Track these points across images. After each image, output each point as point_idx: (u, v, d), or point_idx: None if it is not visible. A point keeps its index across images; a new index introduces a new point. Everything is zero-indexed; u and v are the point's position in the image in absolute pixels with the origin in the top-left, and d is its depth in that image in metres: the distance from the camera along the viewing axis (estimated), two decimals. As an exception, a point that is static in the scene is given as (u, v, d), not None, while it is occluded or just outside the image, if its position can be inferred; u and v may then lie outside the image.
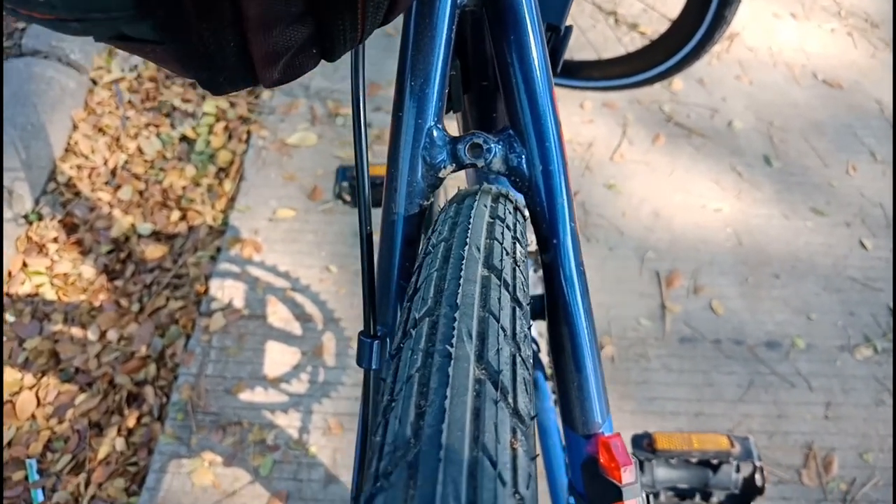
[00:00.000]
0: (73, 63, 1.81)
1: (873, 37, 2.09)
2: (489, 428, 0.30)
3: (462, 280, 0.38)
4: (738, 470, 0.74)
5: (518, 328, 0.38)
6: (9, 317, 1.43)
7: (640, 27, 2.03)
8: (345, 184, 1.20)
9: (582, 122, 1.79)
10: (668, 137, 1.78)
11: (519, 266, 0.43)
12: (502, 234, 0.44)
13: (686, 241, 1.58)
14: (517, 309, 0.40)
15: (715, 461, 0.73)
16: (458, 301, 0.37)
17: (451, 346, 0.34)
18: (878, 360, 1.42)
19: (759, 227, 1.62)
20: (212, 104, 1.80)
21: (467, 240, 0.42)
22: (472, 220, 0.44)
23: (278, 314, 1.42)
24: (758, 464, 0.73)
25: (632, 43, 1.97)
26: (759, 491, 0.74)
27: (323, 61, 0.36)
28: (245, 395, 1.32)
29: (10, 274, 1.49)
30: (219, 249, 1.53)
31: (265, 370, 1.35)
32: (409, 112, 0.48)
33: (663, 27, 1.34)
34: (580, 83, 1.48)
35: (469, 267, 0.40)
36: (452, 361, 0.33)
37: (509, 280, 0.41)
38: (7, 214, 1.52)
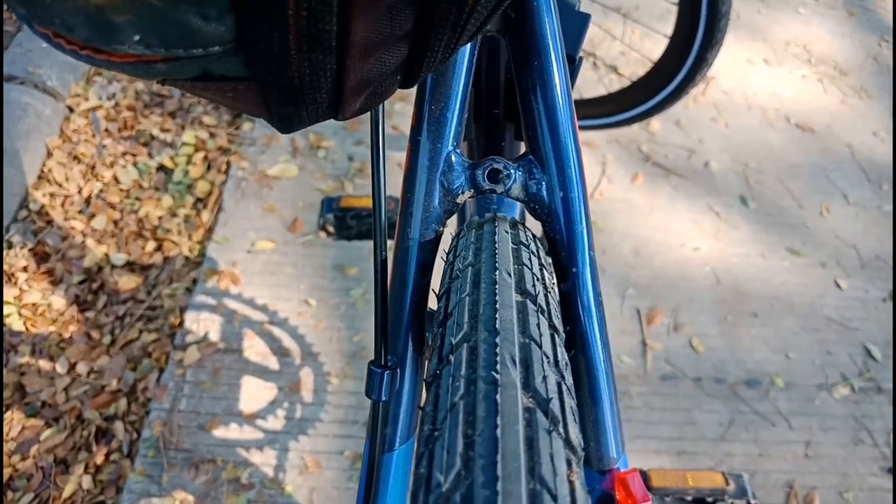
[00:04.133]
0: (50, 90, 1.78)
1: (842, 84, 2.14)
2: (545, 459, 0.28)
3: (498, 305, 0.37)
4: (732, 509, 0.73)
5: (559, 355, 0.37)
6: (-27, 348, 1.38)
7: (619, 69, 2.06)
8: (329, 215, 1.18)
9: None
10: (646, 177, 1.80)
11: (549, 293, 0.42)
12: (529, 259, 0.43)
13: (666, 279, 1.59)
14: (555, 336, 0.38)
15: (710, 499, 0.72)
16: (496, 326, 0.36)
17: (496, 372, 0.32)
18: (856, 399, 1.43)
19: (737, 266, 1.63)
20: (191, 134, 1.78)
21: (496, 264, 0.41)
22: (497, 245, 0.43)
23: (255, 348, 1.39)
24: (753, 502, 0.72)
25: (611, 84, 2.00)
26: (754, 529, 0.73)
27: None
28: (219, 432, 1.28)
29: (-25, 303, 1.44)
30: (195, 281, 1.50)
31: (241, 406, 1.31)
32: (427, 137, 0.47)
33: (642, 70, 1.36)
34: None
35: (503, 292, 0.38)
36: (499, 388, 0.32)
37: (544, 306, 0.40)
38: (-25, 242, 1.48)
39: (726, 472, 0.74)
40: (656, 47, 1.27)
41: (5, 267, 1.50)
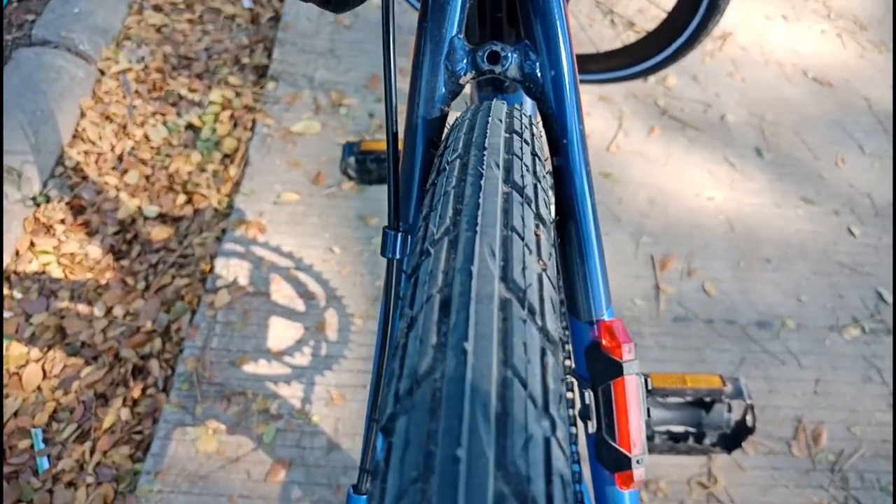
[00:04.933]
0: (82, 53, 1.85)
1: (862, 38, 2.14)
2: (516, 217, 0.33)
3: (488, 135, 0.42)
4: (729, 409, 0.78)
5: (538, 169, 0.41)
6: (16, 293, 1.46)
7: (636, 26, 2.08)
8: (350, 159, 1.23)
9: (579, 114, 1.83)
10: (662, 130, 1.82)
11: (536, 137, 0.47)
12: (520, 116, 0.48)
13: (680, 227, 1.62)
14: (537, 159, 0.43)
15: (707, 399, 0.76)
16: (485, 146, 0.40)
17: (482, 169, 0.37)
18: (866, 340, 1.46)
19: (752, 214, 1.66)
20: (218, 94, 1.84)
21: (490, 115, 0.45)
22: (492, 108, 0.48)
23: (282, 291, 1.46)
24: (749, 402, 0.76)
25: (629, 40, 2.02)
26: (751, 430, 0.78)
27: None
28: (249, 368, 1.34)
29: (17, 253, 1.52)
30: (224, 231, 1.56)
31: (269, 344, 1.38)
32: (432, 22, 0.52)
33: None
34: (579, 76, 1.52)
35: (493, 129, 0.43)
36: (483, 178, 0.36)
37: (528, 140, 0.44)
38: (16, 196, 1.56)
39: (723, 375, 0.78)
40: (672, 0, 1.30)
41: (44, 219, 1.57)
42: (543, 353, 0.30)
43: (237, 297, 1.44)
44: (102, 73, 1.87)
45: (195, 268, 1.51)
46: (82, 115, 1.77)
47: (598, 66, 1.53)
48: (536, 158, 0.44)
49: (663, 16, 1.40)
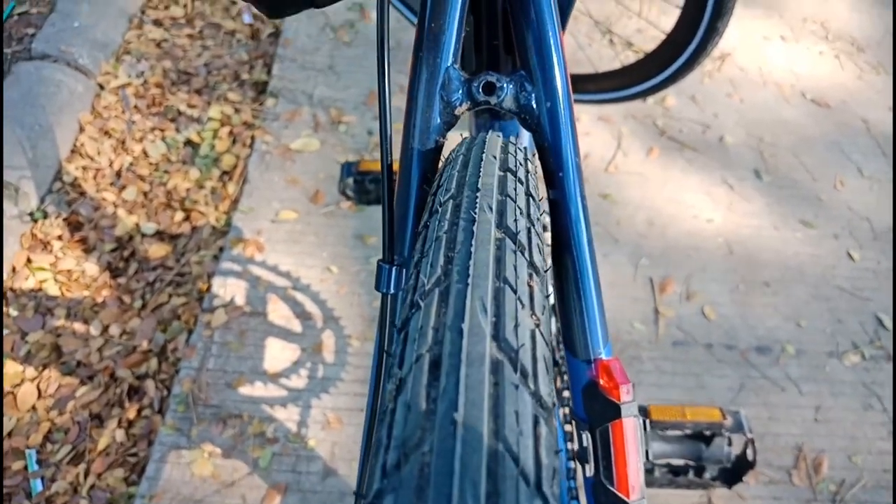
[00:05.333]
0: (82, 68, 1.85)
1: (860, 60, 2.15)
2: (509, 268, 0.32)
3: (481, 174, 0.41)
4: (730, 443, 0.77)
5: (532, 212, 0.41)
6: (12, 311, 1.45)
7: (634, 46, 2.09)
8: (348, 179, 1.23)
9: (578, 134, 1.83)
10: (661, 150, 1.82)
11: (531, 175, 0.46)
12: (515, 152, 0.47)
13: (679, 250, 1.62)
14: (531, 199, 0.42)
15: (707, 433, 0.76)
16: (478, 187, 0.40)
17: (475, 213, 0.36)
18: (866, 367, 1.46)
19: (750, 237, 1.66)
20: (217, 110, 1.83)
21: (483, 153, 0.45)
22: (487, 142, 0.47)
23: (279, 312, 1.45)
24: (749, 436, 0.75)
25: (627, 60, 2.03)
26: (751, 465, 0.77)
27: None
28: (245, 389, 1.33)
29: (14, 269, 1.51)
30: (221, 249, 1.55)
31: (265, 365, 1.37)
32: (427, 52, 0.51)
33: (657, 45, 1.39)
34: (577, 96, 1.52)
35: (487, 168, 0.42)
36: (476, 223, 0.35)
37: (523, 179, 0.43)
38: (13, 212, 1.55)
39: (723, 408, 0.77)
40: (671, 21, 1.30)
41: (41, 235, 1.56)
42: (536, 423, 0.29)
43: (234, 317, 1.43)
44: (102, 87, 1.87)
45: (192, 286, 1.50)
46: (81, 129, 1.77)
47: (597, 86, 1.53)
48: (531, 199, 0.43)
49: (662, 36, 1.41)
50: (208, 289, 1.48)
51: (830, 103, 2.00)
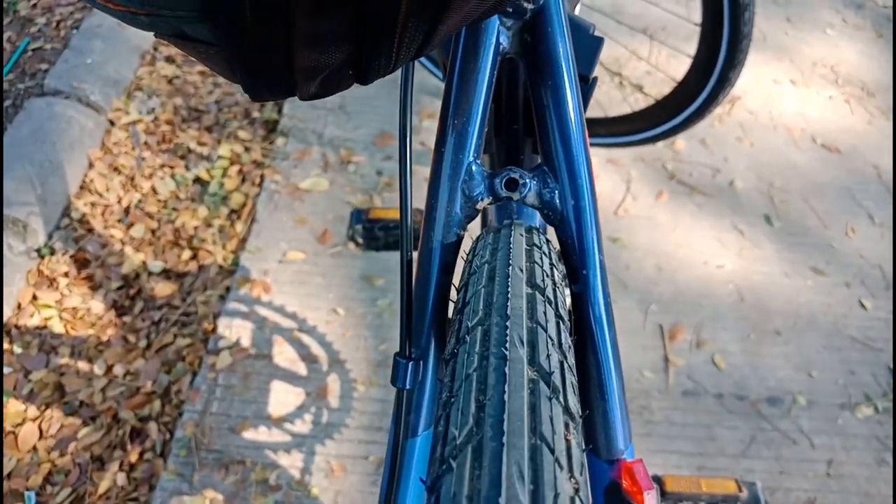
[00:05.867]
0: (93, 104, 1.86)
1: (870, 105, 2.15)
2: (545, 420, 0.32)
3: (510, 295, 0.41)
4: (746, 516, 0.75)
5: (563, 339, 0.40)
6: (16, 348, 1.44)
7: (644, 89, 2.09)
8: (358, 226, 1.23)
9: (587, 176, 1.83)
10: (671, 194, 1.82)
11: (558, 287, 0.46)
12: (541, 258, 0.47)
13: (689, 296, 1.60)
14: (560, 322, 0.42)
15: (723, 505, 0.74)
16: (507, 312, 0.39)
17: (506, 349, 0.36)
18: (879, 420, 1.43)
19: (761, 284, 1.64)
20: (227, 148, 1.84)
21: (510, 262, 0.44)
22: (511, 246, 0.47)
23: (285, 354, 1.43)
24: (766, 509, 0.74)
25: (636, 103, 2.03)
26: (767, 537, 0.75)
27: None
28: (249, 434, 1.32)
29: (19, 306, 1.50)
30: (228, 289, 1.55)
31: (270, 409, 1.35)
32: (450, 148, 0.51)
33: (667, 89, 1.39)
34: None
35: (515, 284, 0.42)
36: (507, 363, 0.35)
37: (552, 297, 0.43)
38: (20, 248, 1.55)
39: (739, 479, 0.76)
40: (681, 67, 1.30)
41: (47, 272, 1.56)
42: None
43: (239, 359, 1.42)
44: (112, 123, 1.88)
45: (198, 327, 1.49)
46: (90, 165, 1.77)
47: (608, 130, 1.53)
48: (560, 323, 0.42)
49: (671, 80, 1.41)
50: (214, 329, 1.47)
51: (841, 148, 2.00)
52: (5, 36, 2.04)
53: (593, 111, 1.91)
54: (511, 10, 0.51)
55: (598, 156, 1.88)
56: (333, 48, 0.33)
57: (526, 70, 0.53)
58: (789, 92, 2.17)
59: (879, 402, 1.46)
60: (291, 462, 1.29)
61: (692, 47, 1.32)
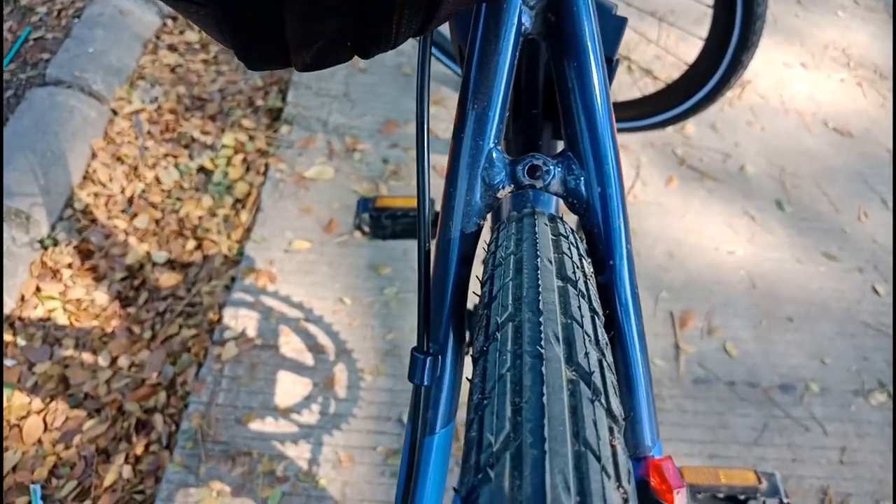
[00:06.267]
0: (95, 93, 1.84)
1: (882, 88, 2.12)
2: (588, 424, 0.30)
3: (540, 288, 0.39)
4: (764, 507, 0.73)
5: (600, 335, 0.38)
6: (20, 340, 1.43)
7: (653, 73, 2.06)
8: (364, 215, 1.21)
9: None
10: (681, 180, 1.79)
11: (589, 280, 0.44)
12: (569, 248, 0.45)
13: (700, 283, 1.58)
14: (596, 318, 0.40)
15: (742, 497, 0.72)
16: (539, 307, 0.37)
17: (541, 347, 0.34)
18: (893, 406, 1.41)
19: (773, 270, 1.62)
20: (231, 137, 1.82)
21: (538, 253, 0.42)
22: (537, 236, 0.44)
23: (291, 344, 1.42)
24: (785, 500, 0.72)
25: (646, 87, 2.00)
26: (786, 529, 0.73)
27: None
28: (255, 425, 1.30)
29: (22, 298, 1.49)
30: (233, 279, 1.53)
31: (276, 400, 1.34)
32: (469, 133, 0.48)
33: (677, 73, 1.36)
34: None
35: (545, 277, 0.40)
36: (544, 362, 0.33)
37: (584, 290, 0.41)
38: (23, 239, 1.53)
39: (758, 471, 0.74)
40: (691, 50, 1.28)
41: (51, 263, 1.55)
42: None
43: (245, 350, 1.40)
44: (115, 113, 1.86)
45: (203, 317, 1.48)
46: (93, 155, 1.76)
47: (618, 115, 1.51)
48: (595, 318, 0.40)
49: (681, 63, 1.38)
50: (219, 320, 1.45)
51: (853, 132, 1.97)
52: (6, 26, 2.02)
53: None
54: None
55: (606, 141, 1.85)
56: (328, 16, 0.30)
57: (550, 51, 0.50)
58: (800, 75, 2.13)
59: (893, 388, 1.43)
60: (299, 453, 1.27)
61: (703, 30, 1.29)
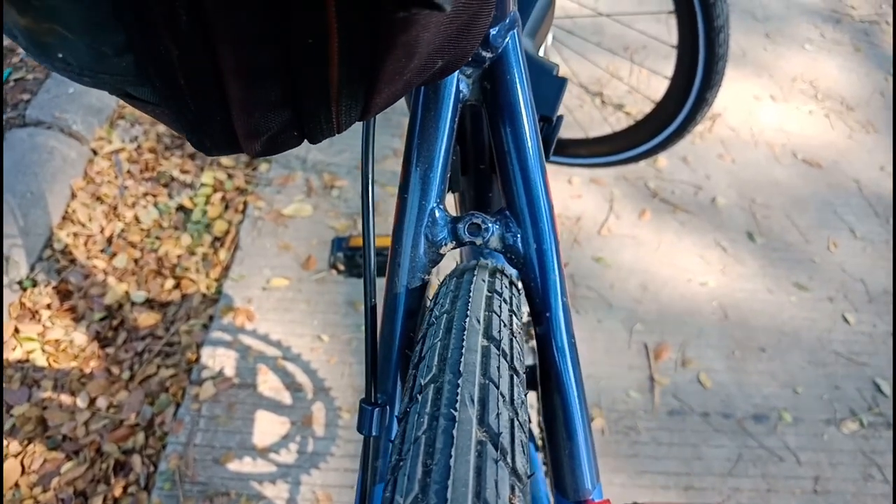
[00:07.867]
0: (75, 133, 1.86)
1: (849, 119, 2.17)
2: (490, 485, 0.32)
3: (464, 349, 0.41)
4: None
5: (516, 395, 0.40)
6: (-2, 383, 1.43)
7: (625, 107, 2.10)
8: (339, 254, 1.22)
9: (570, 196, 1.84)
10: (653, 213, 1.83)
11: (515, 337, 0.46)
12: (500, 307, 0.47)
13: (673, 314, 1.61)
14: (514, 377, 0.42)
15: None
16: (460, 369, 0.39)
17: (455, 410, 0.36)
18: (865, 435, 1.43)
19: (745, 301, 1.65)
20: (210, 175, 1.84)
21: (468, 312, 0.44)
22: (471, 294, 0.47)
23: (269, 383, 1.43)
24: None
25: (618, 122, 2.04)
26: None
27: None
28: (233, 465, 1.31)
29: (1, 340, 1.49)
30: (211, 318, 1.54)
31: (254, 440, 1.34)
32: (413, 193, 0.51)
33: (648, 108, 1.40)
34: (568, 160, 1.53)
35: (470, 337, 0.42)
36: (456, 424, 0.35)
37: (507, 350, 0.43)
38: (2, 280, 1.54)
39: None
40: (662, 85, 1.31)
41: (30, 304, 1.55)
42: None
43: (223, 389, 1.41)
44: (95, 153, 1.87)
45: (181, 357, 1.48)
46: (73, 195, 1.77)
47: (589, 150, 1.54)
48: (514, 376, 0.42)
49: (649, 99, 1.42)
50: (197, 359, 1.46)
51: (822, 163, 2.02)
52: (-13, 67, 2.04)
53: (574, 132, 1.92)
54: (470, 59, 0.51)
55: (580, 176, 1.89)
56: (271, 113, 0.33)
57: (487, 116, 0.53)
58: (769, 108, 2.19)
59: (865, 416, 1.46)
60: (277, 493, 1.28)
61: (671, 68, 1.33)
